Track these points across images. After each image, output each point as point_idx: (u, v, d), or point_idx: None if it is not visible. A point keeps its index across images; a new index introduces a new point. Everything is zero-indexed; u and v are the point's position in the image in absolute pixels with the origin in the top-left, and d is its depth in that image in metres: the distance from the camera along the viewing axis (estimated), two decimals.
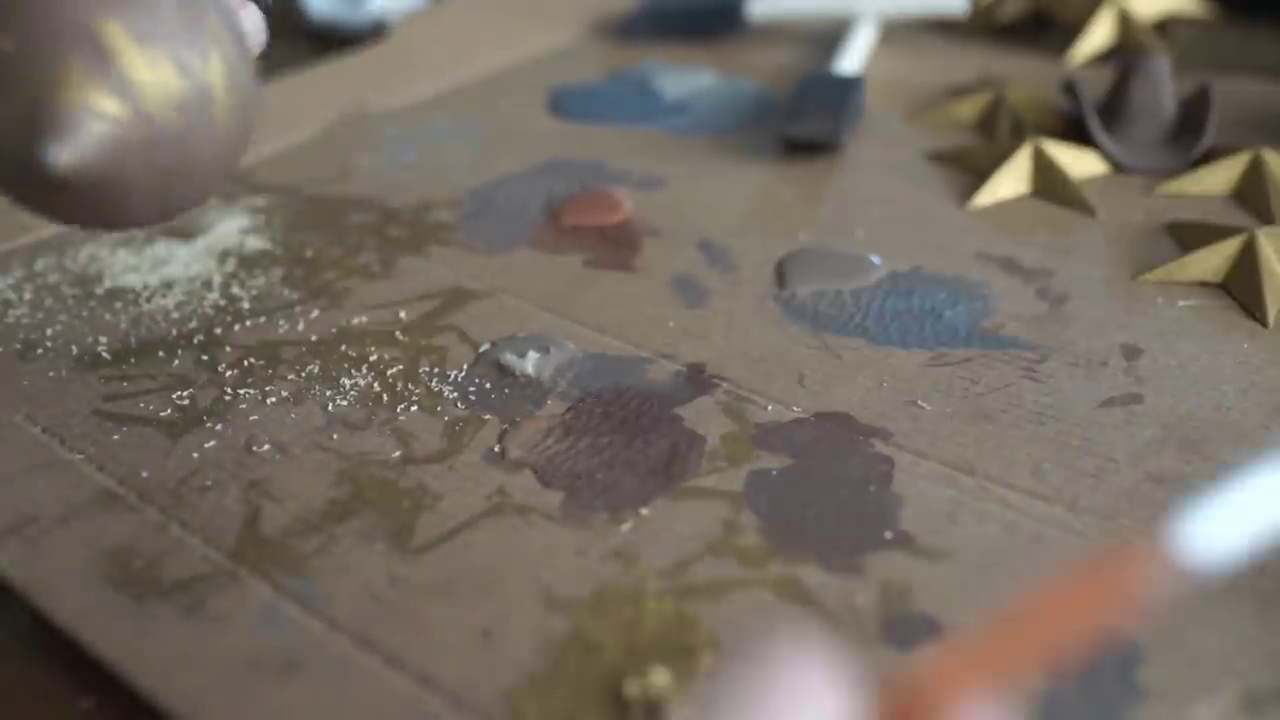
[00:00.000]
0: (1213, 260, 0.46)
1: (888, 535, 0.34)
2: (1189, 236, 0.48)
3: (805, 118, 0.58)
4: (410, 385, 0.42)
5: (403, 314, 0.46)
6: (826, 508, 0.35)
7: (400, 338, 0.44)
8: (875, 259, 0.49)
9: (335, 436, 0.39)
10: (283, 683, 0.29)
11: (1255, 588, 0.31)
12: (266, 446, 0.38)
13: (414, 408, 0.40)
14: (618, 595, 0.32)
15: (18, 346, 0.44)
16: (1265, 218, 0.49)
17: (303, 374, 0.42)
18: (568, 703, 0.29)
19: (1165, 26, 0.72)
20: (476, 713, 0.29)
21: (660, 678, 0.29)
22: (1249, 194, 0.51)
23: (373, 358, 0.43)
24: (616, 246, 0.51)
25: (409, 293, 0.48)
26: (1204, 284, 0.46)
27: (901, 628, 0.31)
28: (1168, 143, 0.56)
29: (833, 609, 0.31)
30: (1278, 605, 0.31)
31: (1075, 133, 0.57)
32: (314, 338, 0.45)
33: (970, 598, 0.32)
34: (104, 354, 0.44)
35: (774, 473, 0.37)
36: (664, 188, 0.56)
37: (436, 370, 0.42)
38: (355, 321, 0.46)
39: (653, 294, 0.47)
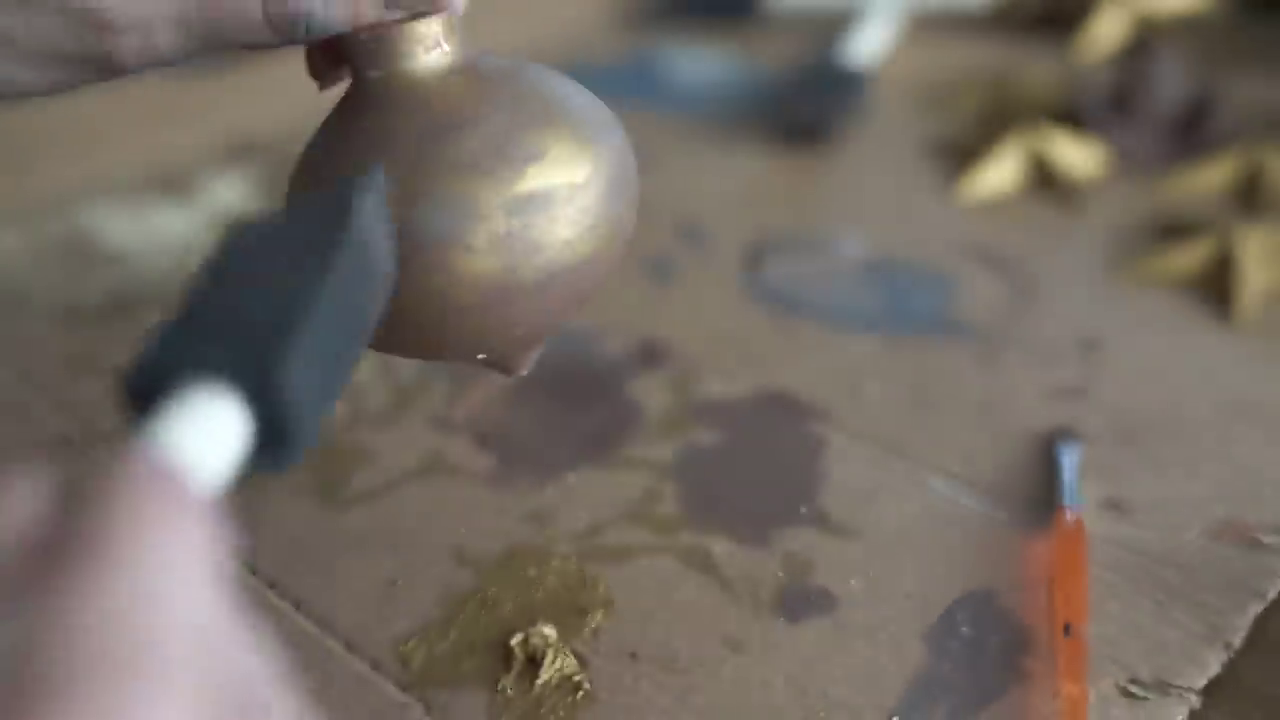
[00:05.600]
0: (1191, 257, 0.45)
1: (802, 511, 0.34)
2: (1172, 232, 0.47)
3: (800, 105, 0.58)
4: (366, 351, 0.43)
5: None
6: (750, 482, 0.35)
7: None
8: (850, 245, 0.49)
9: None
10: None
11: (1160, 580, 0.31)
12: None
13: (369, 370, 0.41)
14: (526, 555, 0.33)
15: (11, 299, 0.47)
16: (1257, 216, 0.48)
17: None
18: (455, 651, 0.30)
19: (1180, 22, 0.71)
20: (366, 656, 0.30)
21: (546, 632, 0.29)
22: (1246, 193, 0.50)
23: None
24: None
25: None
26: (1181, 280, 0.45)
27: (796, 599, 0.31)
28: (1170, 138, 0.55)
29: (732, 578, 0.32)
30: (1179, 599, 0.30)
31: (1079, 126, 0.56)
32: None
33: (872, 574, 0.32)
34: (90, 310, 0.46)
35: (706, 446, 0.37)
36: (657, 168, 0.57)
37: None
38: None
39: (623, 271, 0.48)
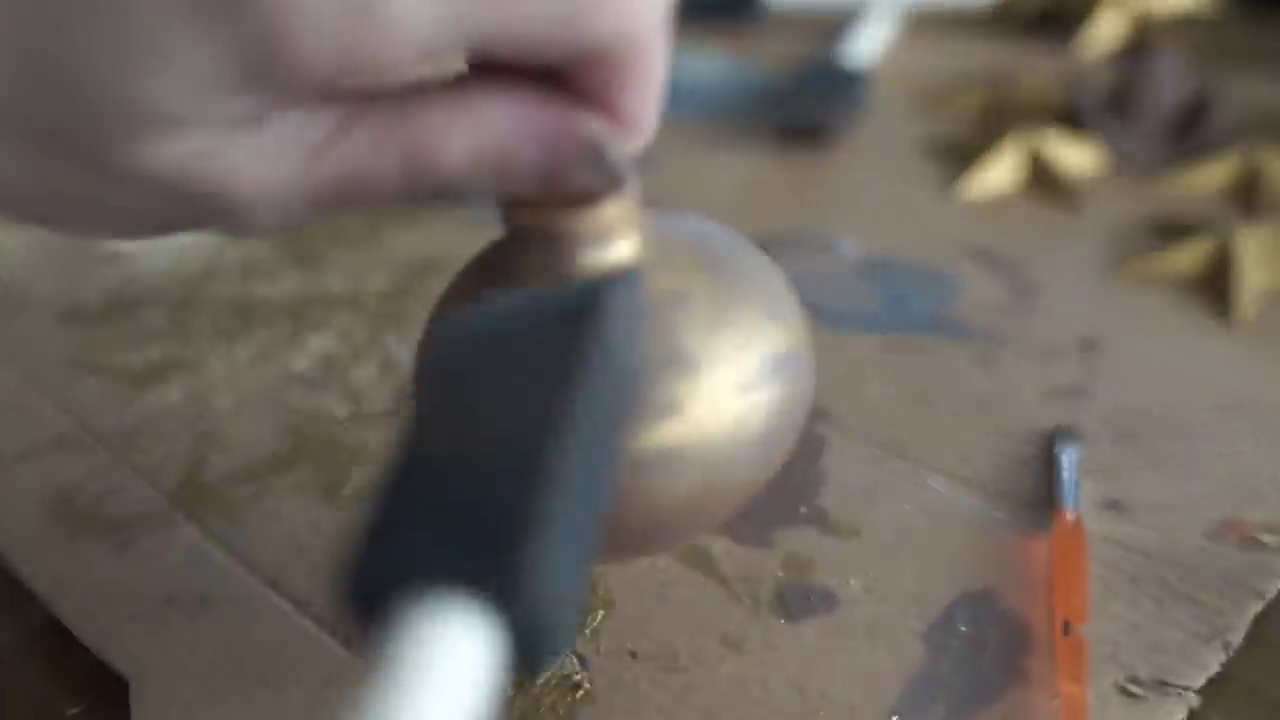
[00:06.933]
0: (1190, 257, 0.45)
1: (803, 510, 0.34)
2: (1171, 232, 0.47)
3: (798, 105, 0.58)
4: (370, 349, 0.43)
5: (376, 282, 0.47)
6: None
7: (369, 304, 0.46)
8: (849, 245, 0.49)
9: (290, 393, 0.40)
10: (193, 617, 0.31)
11: (1160, 580, 0.31)
12: (224, 401, 0.40)
13: (370, 370, 0.42)
14: None
15: (11, 298, 0.47)
16: (1256, 216, 0.48)
17: (271, 333, 0.44)
18: None
19: (1179, 22, 0.71)
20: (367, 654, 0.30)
21: None
22: (1242, 192, 0.50)
23: (339, 321, 0.45)
24: None
25: (387, 261, 0.49)
26: (1180, 280, 0.45)
27: (795, 599, 0.31)
28: (1169, 138, 0.55)
29: (732, 577, 0.32)
30: (1178, 599, 0.30)
31: (1078, 126, 0.56)
32: (289, 300, 0.46)
33: (872, 574, 0.32)
34: (91, 308, 0.46)
35: None
36: (656, 170, 0.57)
37: (397, 336, 0.44)
38: (331, 287, 0.47)
39: None
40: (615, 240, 0.22)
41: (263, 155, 0.19)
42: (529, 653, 0.15)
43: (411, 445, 0.16)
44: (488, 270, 0.24)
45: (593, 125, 0.21)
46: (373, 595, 0.15)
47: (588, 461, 0.16)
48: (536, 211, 0.22)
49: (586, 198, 0.21)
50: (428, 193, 0.21)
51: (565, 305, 0.18)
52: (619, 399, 0.18)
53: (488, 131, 0.20)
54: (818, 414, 0.38)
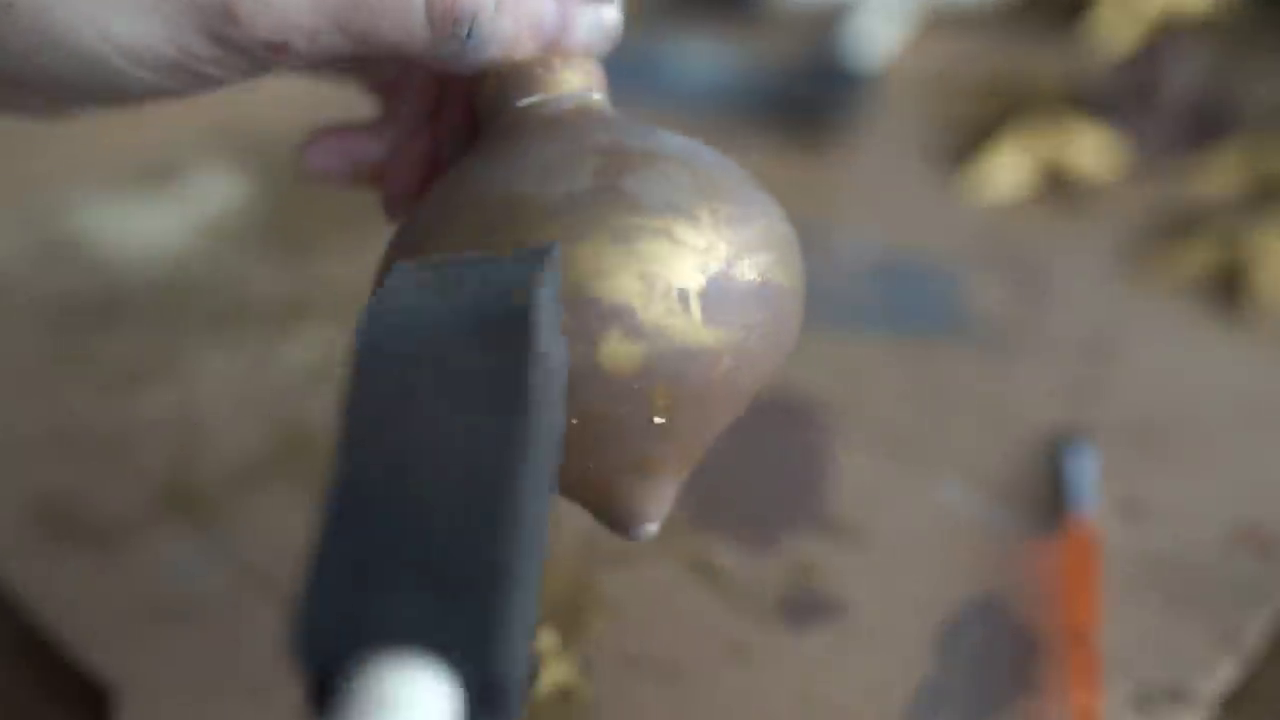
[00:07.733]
0: (1207, 257, 0.44)
1: (809, 515, 0.33)
2: (1188, 232, 0.47)
3: (802, 101, 0.57)
4: None
5: (367, 284, 0.47)
6: (753, 485, 0.35)
7: (360, 307, 0.45)
8: (856, 245, 0.48)
9: (280, 394, 0.39)
10: (179, 623, 0.30)
11: (1175, 587, 0.30)
12: (213, 401, 0.39)
13: None
14: None
15: None
16: (1273, 216, 0.48)
17: (262, 333, 0.43)
18: None
19: (1203, 16, 0.70)
20: None
21: (543, 639, 0.29)
22: (1263, 191, 0.49)
23: (333, 321, 0.44)
24: None
25: (377, 263, 0.48)
26: (1195, 280, 0.44)
27: (800, 606, 0.30)
28: (1188, 132, 0.54)
29: (735, 584, 0.31)
30: (1193, 606, 0.30)
31: (1093, 119, 0.55)
32: (279, 302, 0.45)
33: (878, 580, 0.31)
34: (74, 305, 0.45)
35: (709, 448, 0.36)
36: None
37: None
38: (323, 286, 0.46)
39: None
40: (596, 89, 0.25)
41: None
42: (493, 714, 0.14)
43: (349, 472, 0.15)
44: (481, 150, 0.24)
45: None
46: (327, 651, 0.14)
47: (537, 499, 0.15)
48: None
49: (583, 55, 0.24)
50: (451, 29, 0.22)
51: (492, 308, 0.17)
52: (554, 421, 0.17)
53: None
54: (823, 416, 0.38)
